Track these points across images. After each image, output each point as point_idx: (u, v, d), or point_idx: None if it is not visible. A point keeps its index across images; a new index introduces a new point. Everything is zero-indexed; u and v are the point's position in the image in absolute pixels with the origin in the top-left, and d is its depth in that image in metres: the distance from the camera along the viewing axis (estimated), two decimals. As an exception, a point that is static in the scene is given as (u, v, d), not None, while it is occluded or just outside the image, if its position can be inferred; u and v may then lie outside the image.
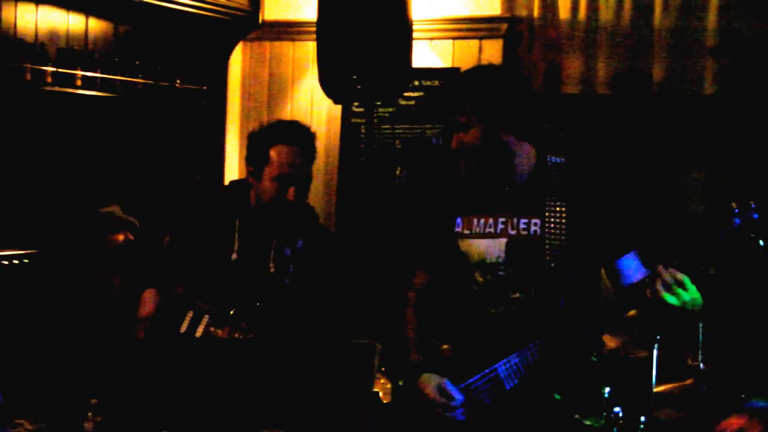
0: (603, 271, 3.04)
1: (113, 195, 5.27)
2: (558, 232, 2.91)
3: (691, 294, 2.69)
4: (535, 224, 2.94)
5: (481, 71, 3.11)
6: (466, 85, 2.99)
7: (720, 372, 3.61)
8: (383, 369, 3.59)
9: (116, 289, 4.46)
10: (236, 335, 3.65)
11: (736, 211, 2.65)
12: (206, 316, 3.72)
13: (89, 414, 3.41)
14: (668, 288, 2.67)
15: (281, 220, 3.74)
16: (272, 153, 3.67)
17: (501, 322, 2.93)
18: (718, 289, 2.86)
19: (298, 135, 3.73)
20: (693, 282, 2.70)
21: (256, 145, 3.74)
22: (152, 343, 3.68)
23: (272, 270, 3.77)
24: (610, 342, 3.74)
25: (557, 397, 2.84)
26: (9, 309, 4.67)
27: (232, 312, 3.68)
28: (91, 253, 4.59)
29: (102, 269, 4.51)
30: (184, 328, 3.71)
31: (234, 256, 3.75)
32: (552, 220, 2.92)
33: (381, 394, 3.55)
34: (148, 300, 3.79)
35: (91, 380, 3.80)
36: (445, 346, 3.11)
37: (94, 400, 3.41)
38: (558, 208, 2.93)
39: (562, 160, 3.03)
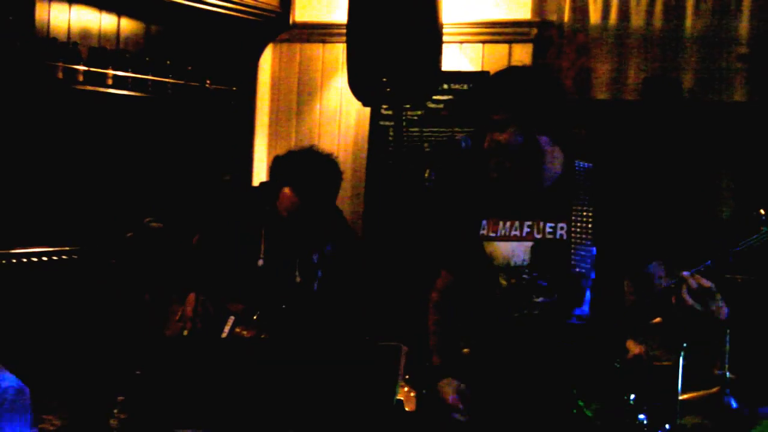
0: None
1: (142, 194, 5.31)
2: (584, 237, 2.89)
3: (717, 302, 2.66)
4: (562, 228, 2.92)
5: (519, 71, 3.10)
6: (505, 83, 2.97)
7: (746, 381, 3.59)
8: (407, 377, 3.59)
9: (146, 291, 4.49)
10: (262, 336, 3.66)
11: (764, 218, 2.63)
12: (232, 317, 3.73)
13: (114, 411, 3.44)
14: (694, 295, 2.65)
15: (303, 235, 3.76)
16: (284, 190, 3.68)
17: (524, 326, 2.93)
18: (745, 298, 2.83)
19: (306, 181, 3.71)
20: (719, 290, 2.68)
21: (274, 175, 3.76)
22: (177, 343, 3.70)
23: (298, 280, 3.78)
24: (634, 348, 3.72)
25: (580, 403, 2.83)
26: (39, 306, 4.71)
27: (255, 317, 3.69)
28: (134, 261, 4.62)
29: (141, 278, 4.54)
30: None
31: (260, 262, 3.77)
32: (578, 225, 2.91)
33: (404, 401, 3.55)
34: (193, 301, 3.80)
35: (118, 378, 3.83)
36: (465, 350, 3.10)
37: (119, 398, 3.44)
38: (585, 214, 2.91)
39: (590, 165, 3.02)
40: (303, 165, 3.74)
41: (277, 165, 3.78)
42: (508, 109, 2.89)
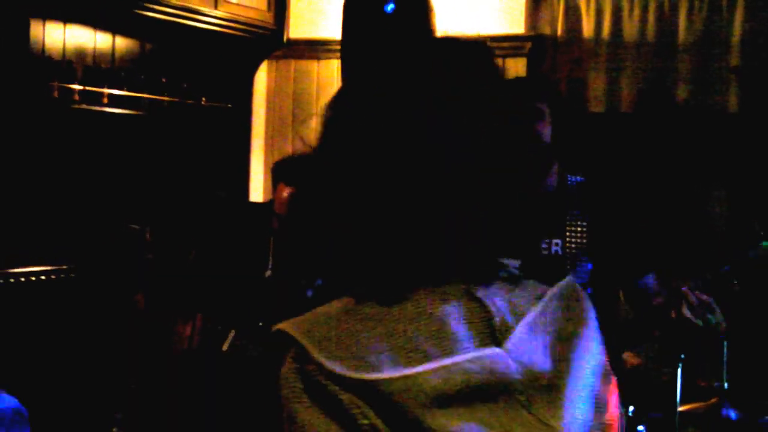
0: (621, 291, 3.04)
1: (140, 212, 5.31)
2: (579, 252, 2.90)
3: (717, 317, 2.67)
4: (556, 244, 2.93)
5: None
6: (546, 80, 3.05)
7: (744, 392, 3.59)
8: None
9: (140, 306, 4.49)
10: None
11: (762, 233, 2.64)
12: (233, 331, 3.73)
13: (113, 429, 3.43)
14: (694, 311, 2.66)
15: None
16: (278, 187, 3.70)
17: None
18: (742, 310, 2.84)
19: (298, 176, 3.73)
20: (718, 304, 2.69)
21: (273, 175, 3.79)
22: (177, 359, 3.70)
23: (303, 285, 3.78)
24: (632, 360, 3.72)
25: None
26: (35, 324, 4.71)
27: (261, 324, 3.69)
28: (117, 269, 4.62)
29: (126, 286, 4.54)
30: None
31: (268, 273, 3.78)
32: (573, 240, 2.92)
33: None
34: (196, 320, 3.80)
35: (116, 395, 3.83)
36: None
37: (118, 414, 3.44)
38: (579, 228, 2.93)
39: (582, 179, 3.03)
40: (296, 160, 3.79)
41: (273, 169, 3.83)
42: (549, 101, 2.96)
